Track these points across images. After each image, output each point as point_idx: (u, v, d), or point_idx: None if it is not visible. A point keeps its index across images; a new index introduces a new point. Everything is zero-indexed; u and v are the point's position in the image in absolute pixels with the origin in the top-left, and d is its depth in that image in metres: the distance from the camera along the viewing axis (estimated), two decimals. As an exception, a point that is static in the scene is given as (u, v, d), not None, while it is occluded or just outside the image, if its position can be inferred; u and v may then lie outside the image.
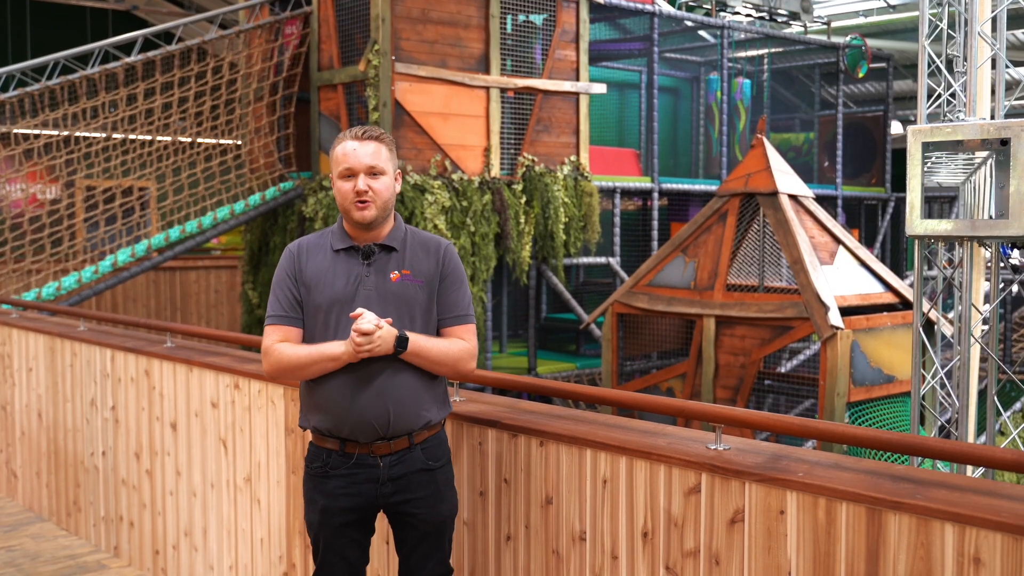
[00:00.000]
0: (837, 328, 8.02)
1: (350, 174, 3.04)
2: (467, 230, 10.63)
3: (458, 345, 3.11)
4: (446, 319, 3.14)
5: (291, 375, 3.07)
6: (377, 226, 3.10)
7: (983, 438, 6.67)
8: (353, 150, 3.04)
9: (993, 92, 6.02)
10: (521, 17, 11.44)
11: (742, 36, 15.34)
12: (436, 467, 3.16)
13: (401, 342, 2.97)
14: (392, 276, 3.07)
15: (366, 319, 2.92)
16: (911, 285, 10.09)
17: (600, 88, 12.18)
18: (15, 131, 10.04)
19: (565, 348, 13.18)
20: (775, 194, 9.08)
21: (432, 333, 3.11)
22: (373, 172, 3.04)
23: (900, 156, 14.90)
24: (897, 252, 17.58)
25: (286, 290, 3.12)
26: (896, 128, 18.05)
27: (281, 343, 3.08)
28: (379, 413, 3.02)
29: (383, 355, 2.98)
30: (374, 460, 3.07)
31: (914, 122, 5.69)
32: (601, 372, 10.50)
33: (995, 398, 5.80)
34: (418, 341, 3.02)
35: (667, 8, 14.24)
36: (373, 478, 3.08)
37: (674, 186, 13.70)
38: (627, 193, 13.36)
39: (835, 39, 16.50)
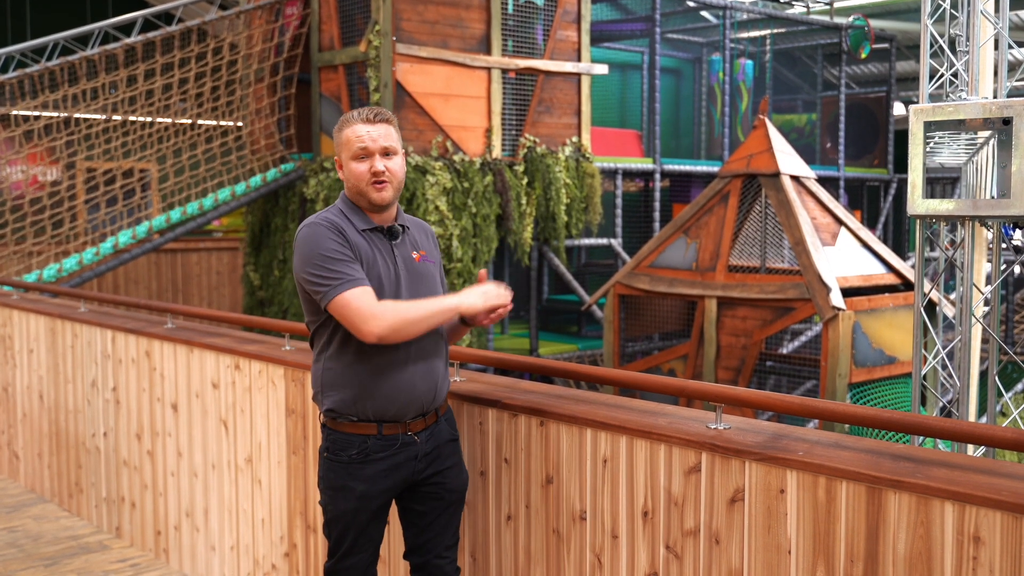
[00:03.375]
0: (839, 309, 8.01)
1: (365, 154, 3.01)
2: (468, 211, 10.62)
3: None
4: None
5: (408, 330, 2.92)
6: (390, 207, 3.10)
7: (984, 419, 6.67)
8: (367, 132, 3.02)
9: (996, 72, 5.99)
10: (522, -3, 11.40)
11: (744, 17, 15.29)
12: (457, 436, 3.29)
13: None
14: (415, 256, 3.12)
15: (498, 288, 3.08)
16: (913, 266, 10.09)
17: (602, 69, 12.14)
18: (15, 112, 10.02)
19: (567, 329, 13.18)
20: (777, 175, 9.06)
21: None
22: (387, 153, 3.04)
23: (902, 137, 14.86)
24: (899, 233, 17.57)
25: (345, 256, 2.95)
26: (899, 109, 18.01)
27: (383, 302, 2.93)
28: (428, 388, 3.10)
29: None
30: (410, 438, 3.09)
31: (916, 103, 5.66)
32: (603, 353, 10.50)
33: (996, 379, 5.79)
34: None
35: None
36: (412, 455, 3.10)
37: (676, 167, 13.68)
38: (629, 174, 13.34)
39: (838, 20, 16.44)
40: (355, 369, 3.01)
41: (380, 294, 2.96)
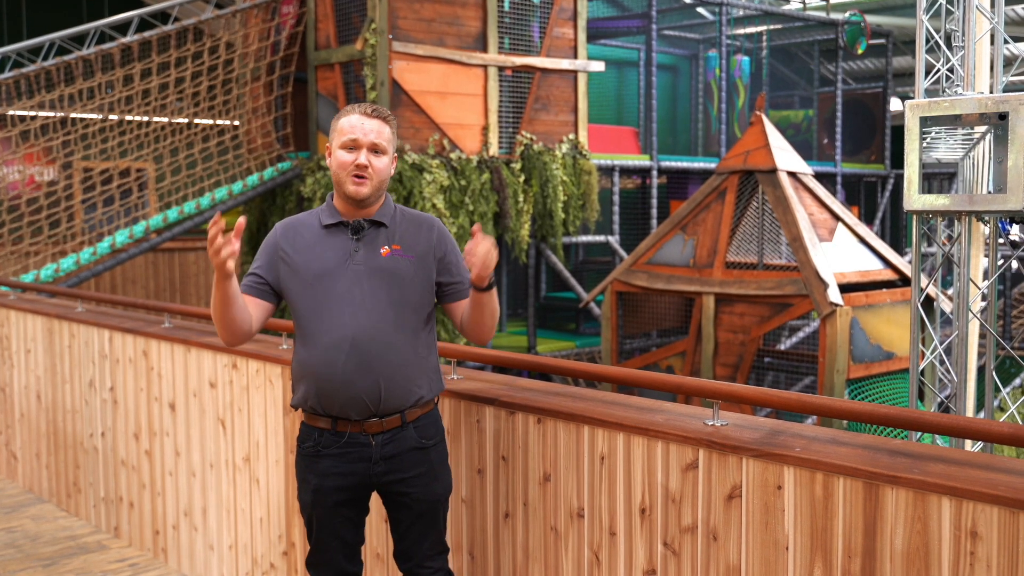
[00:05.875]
0: (836, 305, 8.01)
1: (353, 146, 3.02)
2: (465, 209, 10.61)
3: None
4: (465, 290, 3.14)
5: (220, 326, 3.03)
6: (368, 204, 3.08)
7: (982, 414, 6.67)
8: (361, 124, 3.02)
9: (992, 67, 6.00)
10: (518, -5, 11.39)
11: (741, 13, 15.29)
12: (429, 445, 3.14)
13: (492, 282, 3.00)
14: (382, 251, 3.06)
15: None
16: (910, 262, 10.09)
17: (598, 66, 12.14)
18: (11, 112, 10.01)
19: (565, 327, 13.19)
20: (774, 171, 9.06)
21: (427, 309, 3.10)
22: (375, 150, 3.03)
23: (899, 133, 14.86)
24: (896, 229, 17.58)
25: (260, 262, 3.16)
26: (895, 105, 18.01)
27: None
28: (370, 387, 3.00)
29: (489, 275, 2.94)
30: (366, 439, 3.06)
31: (913, 98, 5.67)
32: (600, 351, 10.50)
33: (994, 374, 5.80)
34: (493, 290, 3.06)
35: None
36: (365, 457, 3.07)
37: (673, 164, 13.69)
38: (626, 171, 13.34)
39: (834, 16, 16.44)
40: (301, 364, 3.10)
41: (315, 287, 3.04)
